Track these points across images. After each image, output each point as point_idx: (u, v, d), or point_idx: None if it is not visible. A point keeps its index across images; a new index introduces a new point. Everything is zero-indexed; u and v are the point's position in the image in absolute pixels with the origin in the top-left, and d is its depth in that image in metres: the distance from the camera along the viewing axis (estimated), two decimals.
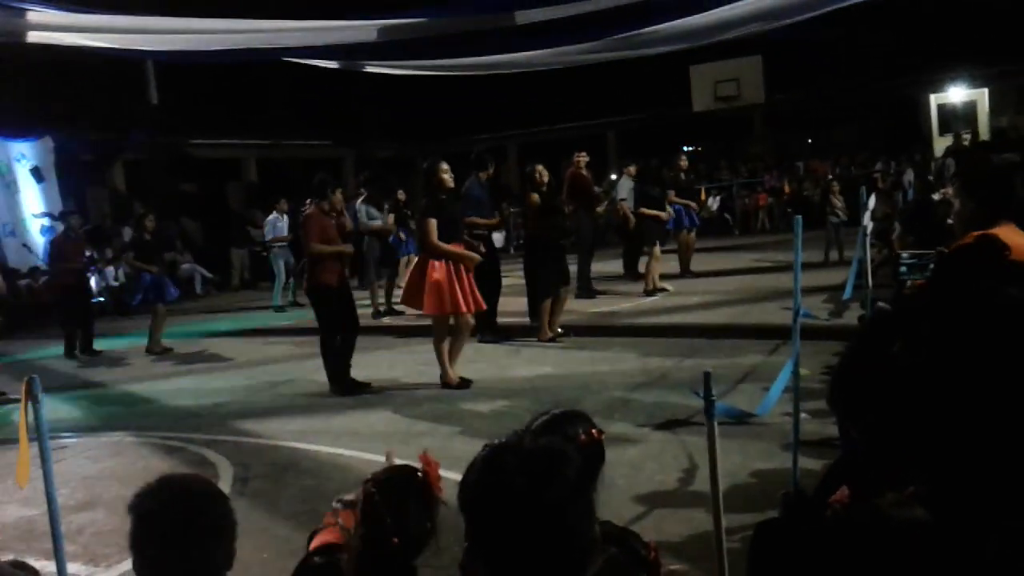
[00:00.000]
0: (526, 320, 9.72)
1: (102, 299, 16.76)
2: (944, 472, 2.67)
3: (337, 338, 7.91)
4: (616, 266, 14.25)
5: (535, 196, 9.51)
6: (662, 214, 12.33)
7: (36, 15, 7.95)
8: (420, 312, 7.98)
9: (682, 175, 13.59)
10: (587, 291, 12.07)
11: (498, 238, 9.93)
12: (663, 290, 12.04)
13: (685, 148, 22.21)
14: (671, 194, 12.79)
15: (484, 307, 8.12)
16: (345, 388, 7.81)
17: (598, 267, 12.83)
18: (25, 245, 16.64)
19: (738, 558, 3.09)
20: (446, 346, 7.67)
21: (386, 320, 12.01)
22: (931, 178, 18.67)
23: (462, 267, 7.58)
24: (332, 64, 12.69)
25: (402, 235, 12.97)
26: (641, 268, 12.94)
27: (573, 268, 10.52)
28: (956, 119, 23.31)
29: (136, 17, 8.74)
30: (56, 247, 11.80)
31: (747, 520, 3.77)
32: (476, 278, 7.91)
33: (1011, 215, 3.37)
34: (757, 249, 16.59)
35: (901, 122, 24.53)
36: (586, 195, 11.89)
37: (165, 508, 1.86)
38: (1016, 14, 18.33)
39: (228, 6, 9.34)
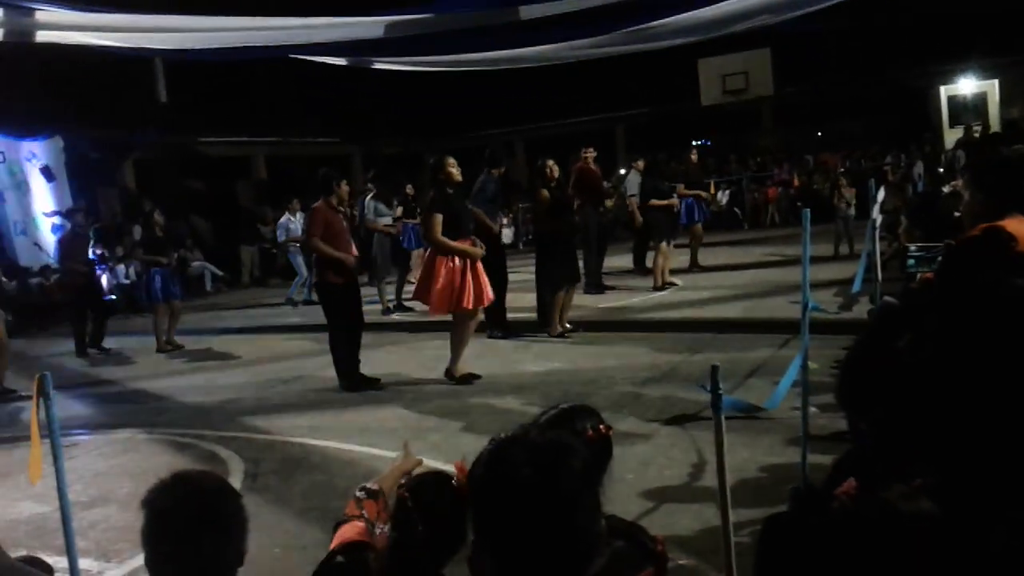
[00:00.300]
0: (535, 315, 9.72)
1: (113, 297, 16.83)
2: (951, 464, 2.67)
3: (346, 334, 7.93)
4: (625, 261, 14.23)
5: (545, 192, 9.50)
6: (673, 202, 12.32)
7: (45, 14, 7.97)
8: (431, 311, 7.99)
9: (693, 168, 13.57)
10: (596, 286, 12.06)
11: (507, 233, 9.94)
12: (672, 285, 12.02)
13: (694, 142, 22.16)
14: (680, 187, 12.77)
15: (492, 301, 8.12)
16: (354, 384, 7.83)
17: (608, 262, 12.82)
18: (36, 244, 16.74)
19: (746, 552, 3.10)
20: (466, 339, 7.68)
21: (395, 316, 12.03)
22: (941, 170, 18.58)
23: (470, 261, 7.59)
24: (340, 61, 12.70)
25: (412, 228, 12.94)
26: (650, 263, 12.93)
27: (582, 263, 10.51)
28: (966, 111, 23.17)
29: (144, 16, 8.76)
30: (63, 245, 11.87)
31: (756, 515, 3.78)
32: (487, 273, 7.92)
33: (1021, 207, 3.35)
34: (766, 243, 16.55)
35: (911, 114, 24.40)
36: (594, 190, 11.87)
37: (178, 504, 1.86)
38: None
39: (236, 4, 9.36)
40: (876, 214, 8.01)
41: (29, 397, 3.18)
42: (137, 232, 16.17)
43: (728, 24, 10.78)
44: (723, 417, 2.97)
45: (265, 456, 6.09)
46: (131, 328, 13.48)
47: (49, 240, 16.74)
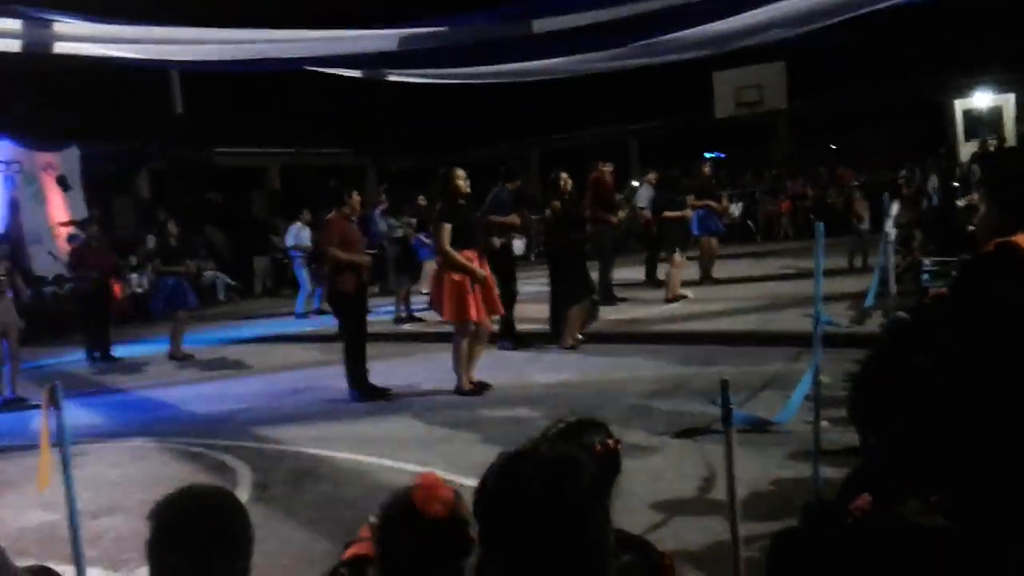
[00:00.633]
0: (546, 327, 9.71)
1: (126, 306, 16.92)
2: (964, 480, 2.64)
3: (363, 344, 7.95)
4: (637, 273, 14.20)
5: (557, 204, 9.51)
6: (687, 213, 12.31)
7: (63, 26, 8.04)
8: (443, 319, 8.01)
9: (706, 181, 13.55)
10: (608, 298, 12.03)
11: (519, 245, 9.95)
12: (683, 297, 11.99)
13: (707, 155, 22.11)
14: (691, 198, 12.75)
15: (503, 313, 8.13)
16: (364, 394, 7.83)
17: (619, 274, 12.79)
18: (50, 253, 16.84)
19: (756, 567, 3.08)
20: (465, 351, 7.68)
21: (406, 327, 12.04)
22: (956, 184, 18.48)
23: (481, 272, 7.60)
24: (354, 73, 12.76)
25: (425, 239, 12.97)
26: (662, 275, 12.90)
27: (595, 275, 10.49)
28: (981, 125, 23.08)
29: (160, 27, 8.83)
30: (76, 255, 11.92)
31: (766, 529, 3.74)
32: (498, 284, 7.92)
33: None
34: (779, 256, 16.48)
35: (926, 128, 24.32)
36: (607, 201, 11.87)
37: (184, 519, 1.86)
38: None
39: (251, 16, 9.42)
40: (890, 228, 7.98)
41: (39, 406, 3.19)
42: (151, 242, 16.25)
43: (741, 38, 10.77)
44: (733, 431, 2.96)
45: (275, 466, 6.09)
46: (142, 337, 13.54)
47: (64, 249, 16.85)
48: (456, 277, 7.49)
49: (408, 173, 24.86)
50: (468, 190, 7.77)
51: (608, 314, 11.33)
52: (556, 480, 1.51)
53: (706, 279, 13.39)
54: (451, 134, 26.36)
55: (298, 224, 15.20)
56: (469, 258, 7.58)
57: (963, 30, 20.63)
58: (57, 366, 11.82)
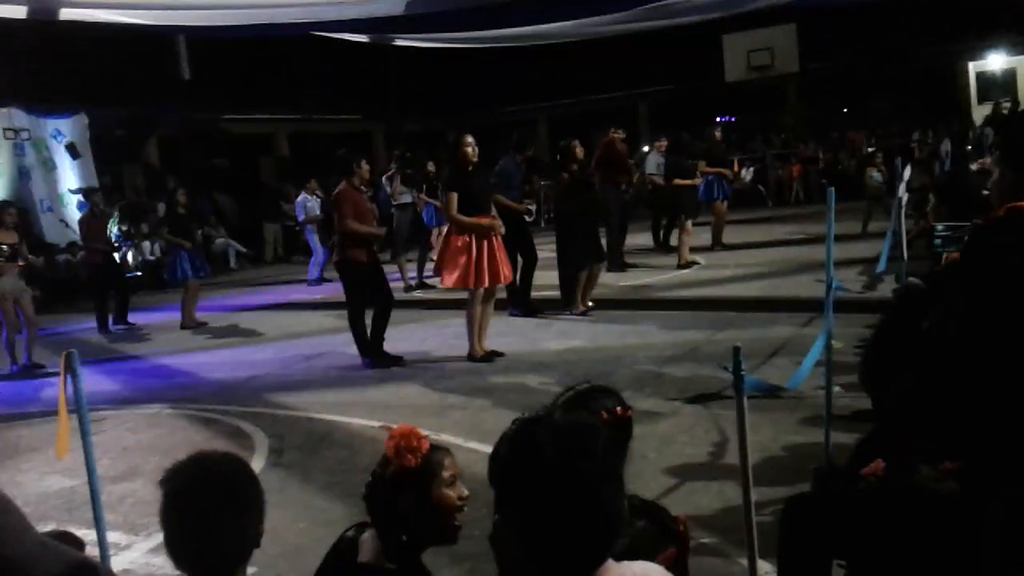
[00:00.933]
0: (557, 294, 9.72)
1: (139, 273, 17.02)
2: (972, 436, 2.66)
3: (365, 311, 7.97)
4: (646, 239, 14.18)
5: (565, 176, 9.47)
6: (695, 180, 12.27)
7: None
8: (441, 284, 8.03)
9: (717, 145, 13.49)
10: (617, 264, 12.04)
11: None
12: (694, 263, 11.97)
13: (718, 119, 21.97)
14: (702, 164, 12.69)
15: (511, 280, 8.13)
16: (377, 361, 7.88)
17: (630, 240, 12.77)
18: (62, 221, 16.90)
19: (769, 531, 3.11)
20: (478, 318, 7.70)
21: (417, 294, 12.07)
22: (969, 148, 18.34)
23: (489, 239, 7.60)
24: (361, 38, 12.68)
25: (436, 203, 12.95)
26: (673, 241, 12.88)
27: (604, 242, 10.48)
28: (995, 87, 22.82)
29: None
30: (83, 225, 11.96)
31: (779, 494, 3.78)
32: (510, 253, 7.91)
33: None
34: (791, 221, 16.43)
35: (939, 91, 24.07)
36: (618, 167, 11.83)
37: (193, 486, 1.87)
38: None
39: None
40: (902, 192, 7.94)
41: (57, 373, 3.22)
42: (162, 209, 16.29)
43: (752, 0, 10.67)
44: (745, 397, 2.97)
45: (289, 432, 6.15)
46: (156, 304, 13.61)
47: (75, 217, 16.91)
48: (462, 244, 7.49)
49: (416, 137, 24.76)
50: (474, 158, 7.75)
51: (619, 280, 11.34)
52: (570, 446, 1.53)
53: (716, 245, 13.37)
54: (460, 99, 26.22)
55: (304, 194, 15.23)
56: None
57: None
58: (72, 334, 11.90)
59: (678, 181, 12.21)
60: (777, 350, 6.94)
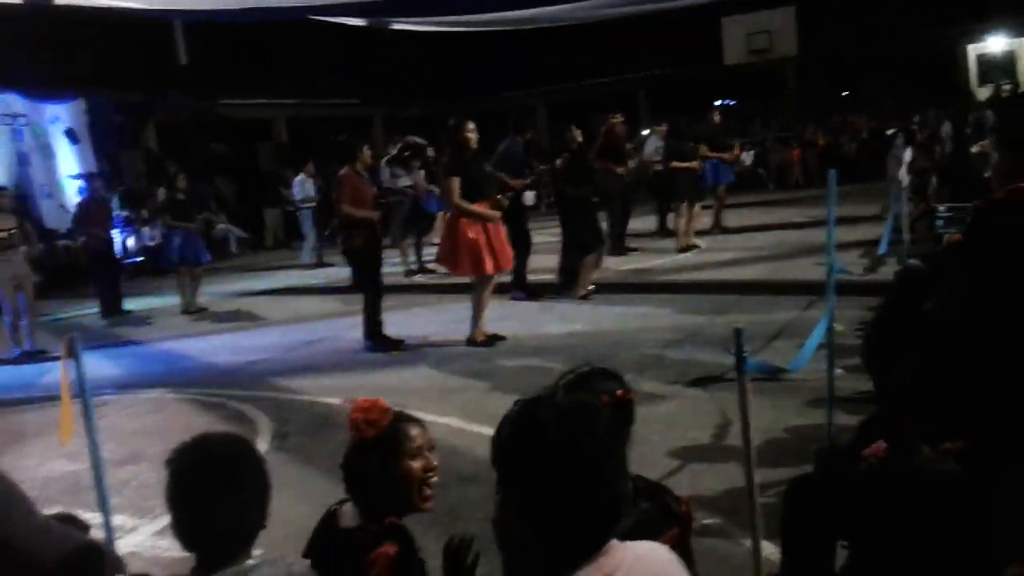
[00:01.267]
0: (556, 277, 9.72)
1: (140, 259, 17.00)
2: (972, 421, 2.67)
3: (380, 296, 7.99)
4: (648, 223, 14.17)
5: (567, 155, 9.46)
6: (694, 164, 12.24)
7: None
8: (452, 272, 8.02)
9: (716, 129, 13.46)
10: (618, 248, 12.03)
11: (528, 196, 9.90)
12: (695, 247, 11.97)
13: (717, 103, 21.87)
14: (703, 148, 12.66)
15: (511, 266, 8.13)
16: (379, 345, 7.89)
17: (631, 224, 12.76)
18: (62, 206, 16.86)
19: (772, 512, 3.12)
20: (486, 303, 7.71)
21: (418, 278, 12.07)
22: (969, 131, 18.27)
23: (490, 225, 7.59)
24: (359, 22, 12.62)
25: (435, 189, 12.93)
26: (672, 225, 12.87)
27: (605, 226, 10.47)
28: (996, 70, 22.73)
29: None
30: (82, 209, 11.92)
31: (781, 475, 3.79)
32: (509, 236, 7.90)
33: None
34: (792, 204, 16.39)
35: (939, 74, 23.96)
36: (617, 152, 11.80)
37: (199, 467, 1.88)
38: None
39: None
40: (903, 174, 7.93)
41: (59, 358, 3.22)
42: (161, 194, 16.27)
43: None
44: (747, 379, 2.98)
45: (293, 416, 6.17)
46: (157, 290, 13.61)
47: (74, 202, 16.89)
48: (470, 233, 7.47)
49: (415, 121, 24.68)
50: (475, 145, 7.72)
51: (620, 264, 11.34)
52: (574, 427, 1.53)
53: (716, 228, 13.36)
54: (458, 84, 26.12)
55: (302, 176, 15.25)
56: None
57: None
58: (73, 319, 11.90)
59: (676, 164, 12.18)
60: (778, 333, 6.95)
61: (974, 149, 11.59)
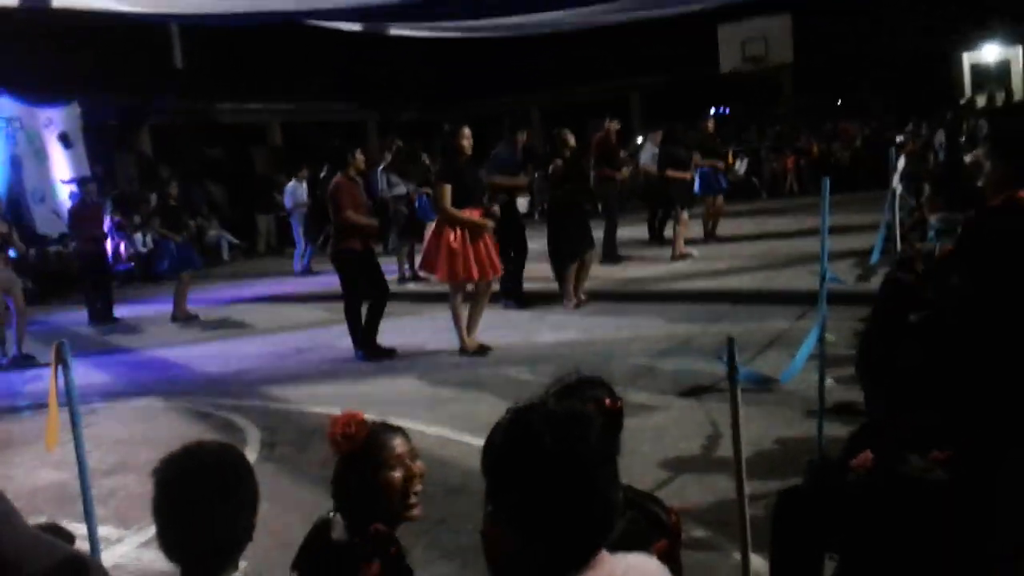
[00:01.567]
0: (551, 286, 9.70)
1: (131, 265, 16.95)
2: (963, 431, 2.66)
3: (362, 303, 7.95)
4: (641, 231, 14.17)
5: (559, 161, 9.46)
6: (687, 174, 12.25)
7: None
8: (434, 276, 8.01)
9: (710, 137, 13.47)
10: (612, 257, 12.03)
11: (523, 203, 9.89)
12: (688, 255, 11.97)
13: (712, 110, 21.93)
14: (697, 156, 12.66)
15: (500, 273, 8.10)
16: (370, 354, 7.86)
17: (624, 233, 12.76)
18: (54, 211, 16.80)
19: (761, 524, 3.10)
20: (463, 312, 7.69)
21: (411, 286, 12.04)
22: (963, 139, 18.32)
23: (477, 234, 7.57)
24: (355, 27, 12.61)
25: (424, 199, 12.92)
26: (668, 233, 12.87)
27: (598, 234, 10.46)
28: (989, 79, 22.83)
29: None
30: (73, 215, 11.85)
31: (771, 487, 3.78)
32: (502, 244, 7.88)
33: None
34: (785, 213, 16.40)
35: (932, 82, 24.04)
36: (612, 159, 11.81)
37: (186, 477, 1.87)
38: None
39: None
40: (896, 183, 7.92)
41: (47, 364, 3.20)
42: (153, 200, 16.23)
43: None
44: (739, 389, 2.96)
45: (281, 425, 6.13)
46: (147, 297, 13.56)
47: (67, 207, 16.83)
48: (451, 238, 7.44)
49: (410, 126, 24.68)
50: (469, 152, 7.70)
51: (613, 273, 11.33)
52: (566, 435, 1.51)
53: (710, 237, 13.36)
54: (453, 89, 26.14)
55: (294, 182, 15.24)
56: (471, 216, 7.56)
57: None
58: (62, 325, 11.84)
59: (671, 172, 12.19)
60: (770, 343, 6.94)
61: (967, 158, 11.61)
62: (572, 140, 9.62)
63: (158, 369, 8.61)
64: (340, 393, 6.85)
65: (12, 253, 9.41)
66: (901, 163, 8.64)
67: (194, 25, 16.99)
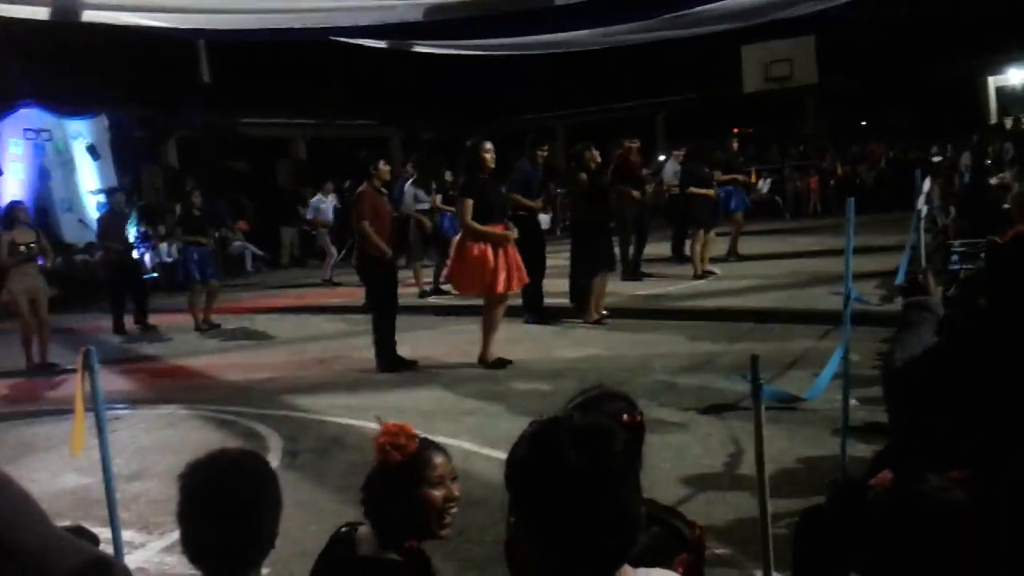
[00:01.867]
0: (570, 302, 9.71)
1: (155, 275, 17.11)
2: (989, 454, 2.63)
3: (388, 314, 7.99)
4: (663, 248, 14.15)
5: (583, 176, 9.47)
6: (710, 192, 12.23)
7: None
8: (460, 292, 8.03)
9: (733, 156, 13.48)
10: (634, 274, 12.02)
11: (544, 220, 9.90)
12: (711, 273, 11.94)
13: (736, 130, 21.88)
14: (718, 174, 12.66)
15: (527, 281, 8.12)
16: (391, 365, 7.88)
17: (646, 250, 12.74)
18: (81, 221, 17.01)
19: (784, 543, 3.08)
20: (497, 322, 7.70)
21: (432, 300, 12.07)
22: (989, 162, 18.21)
23: (504, 246, 7.59)
24: (380, 44, 12.72)
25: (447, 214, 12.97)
26: (688, 251, 12.85)
27: (619, 251, 10.47)
28: (1015, 102, 22.69)
29: None
30: (102, 224, 12.01)
31: (793, 506, 3.74)
32: (523, 259, 7.90)
33: None
34: (808, 233, 16.34)
35: (958, 105, 23.92)
36: (631, 178, 11.82)
37: (213, 483, 1.86)
38: None
39: None
40: (921, 205, 7.88)
41: (71, 371, 3.24)
42: (178, 211, 16.40)
43: (772, 11, 10.64)
44: (763, 407, 2.95)
45: (303, 434, 6.16)
46: (172, 306, 13.67)
47: (94, 218, 17.02)
48: (477, 253, 7.47)
49: (433, 143, 24.80)
50: (492, 165, 7.74)
51: (634, 290, 11.32)
52: (590, 448, 1.51)
53: (731, 255, 13.33)
54: (477, 106, 26.25)
55: (319, 196, 15.39)
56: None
57: (997, 5, 20.20)
58: (87, 333, 11.95)
59: (693, 190, 12.18)
60: (793, 362, 6.90)
61: (993, 181, 11.54)
62: (597, 157, 9.63)
63: (181, 377, 8.68)
64: (361, 403, 6.86)
65: (40, 261, 9.50)
66: (927, 185, 8.59)
67: (222, 41, 17.20)
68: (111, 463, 3.22)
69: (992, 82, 23.09)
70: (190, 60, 21.03)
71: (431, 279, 12.62)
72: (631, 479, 1.56)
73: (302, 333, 10.55)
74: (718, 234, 12.72)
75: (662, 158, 20.03)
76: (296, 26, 10.21)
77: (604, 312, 9.42)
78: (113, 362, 9.28)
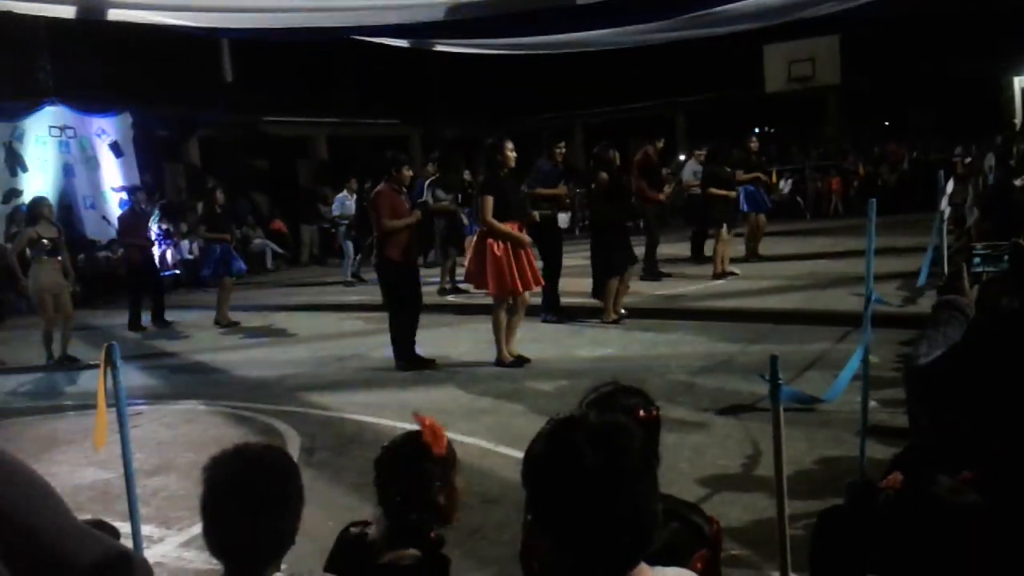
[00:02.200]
0: (591, 301, 9.69)
1: (177, 272, 17.25)
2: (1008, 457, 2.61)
3: (404, 312, 8.01)
4: (683, 248, 14.11)
5: (604, 175, 9.46)
6: (731, 193, 12.19)
7: None
8: (482, 291, 8.04)
9: (752, 156, 13.41)
10: (652, 273, 11.99)
11: (563, 218, 9.87)
12: (731, 274, 11.89)
13: (756, 130, 21.76)
14: (739, 174, 12.60)
15: (543, 284, 8.14)
16: (409, 363, 7.91)
17: (665, 249, 12.71)
18: (104, 217, 17.16)
19: (801, 544, 3.07)
20: (503, 323, 7.71)
21: (450, 298, 12.09)
22: (1013, 163, 18.00)
23: (523, 246, 7.62)
24: (401, 43, 12.73)
25: (464, 218, 12.98)
26: (708, 251, 12.80)
27: (639, 250, 10.44)
28: None
29: None
30: (123, 222, 12.11)
31: (811, 507, 3.73)
32: (540, 257, 7.91)
33: None
34: (829, 234, 16.24)
35: (982, 106, 23.68)
36: (652, 178, 11.80)
37: (237, 477, 1.87)
38: None
39: None
40: (944, 206, 7.82)
41: (92, 366, 3.27)
42: (200, 208, 16.53)
43: (795, 10, 10.56)
44: (781, 408, 2.93)
45: (321, 431, 6.19)
46: (192, 303, 13.77)
47: (117, 214, 17.17)
48: (497, 250, 7.50)
49: (454, 142, 24.83)
50: (512, 164, 7.76)
51: (653, 290, 11.29)
52: (606, 446, 1.51)
53: (752, 256, 13.26)
54: (497, 105, 26.27)
55: (344, 193, 15.49)
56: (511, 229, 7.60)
57: (1021, 4, 19.99)
58: (108, 329, 12.06)
59: (713, 190, 12.14)
60: (812, 363, 6.86)
61: (1017, 182, 11.41)
62: (616, 157, 9.62)
63: (201, 373, 8.74)
64: (379, 401, 6.89)
65: (60, 257, 9.59)
66: (950, 186, 8.52)
67: (245, 40, 17.29)
68: (132, 458, 3.24)
69: (1017, 82, 22.83)
70: (213, 59, 21.17)
71: (449, 277, 12.64)
72: (648, 477, 1.56)
73: (321, 331, 10.60)
74: (735, 234, 12.66)
75: (682, 158, 19.94)
76: (318, 25, 10.25)
77: (623, 312, 9.40)
78: (133, 358, 9.36)
